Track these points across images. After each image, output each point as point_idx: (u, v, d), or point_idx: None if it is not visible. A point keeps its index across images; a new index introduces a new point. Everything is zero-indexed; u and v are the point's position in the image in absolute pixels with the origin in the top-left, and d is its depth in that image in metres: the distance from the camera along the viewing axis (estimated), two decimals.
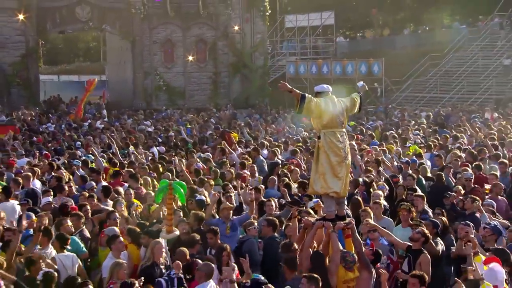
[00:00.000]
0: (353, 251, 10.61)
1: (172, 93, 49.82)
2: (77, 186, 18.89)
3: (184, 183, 15.68)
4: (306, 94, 11.56)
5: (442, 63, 48.92)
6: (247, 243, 12.58)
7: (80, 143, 28.96)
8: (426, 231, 11.80)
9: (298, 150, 23.97)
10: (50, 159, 23.76)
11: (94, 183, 18.92)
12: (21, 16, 45.78)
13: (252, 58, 51.41)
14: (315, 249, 11.26)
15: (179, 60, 50.32)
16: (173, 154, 24.82)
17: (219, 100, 49.14)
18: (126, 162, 23.03)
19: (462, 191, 15.99)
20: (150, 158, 24.13)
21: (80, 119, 38.18)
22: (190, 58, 49.98)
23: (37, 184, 18.73)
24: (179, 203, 15.45)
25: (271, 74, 55.89)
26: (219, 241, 12.49)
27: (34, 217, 13.54)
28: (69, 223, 13.49)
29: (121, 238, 12.45)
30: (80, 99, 41.30)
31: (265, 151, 25.11)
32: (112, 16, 49.30)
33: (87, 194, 16.91)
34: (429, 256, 11.32)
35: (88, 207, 15.13)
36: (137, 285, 9.71)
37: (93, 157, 23.68)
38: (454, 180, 18.44)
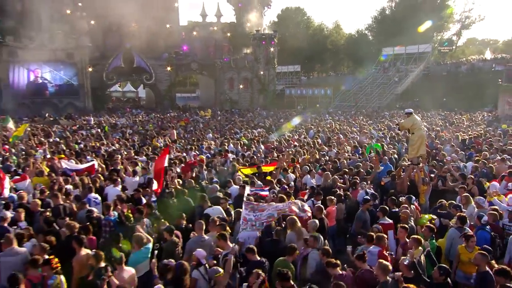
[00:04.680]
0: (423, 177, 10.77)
1: (232, 103, 49.92)
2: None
3: None
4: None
5: (350, 91, 47.35)
6: None
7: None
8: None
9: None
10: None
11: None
12: (168, 68, 47.45)
13: (268, 87, 51.77)
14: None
15: (235, 87, 50.65)
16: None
17: (253, 106, 48.85)
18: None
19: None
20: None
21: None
22: (241, 86, 50.64)
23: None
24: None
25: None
26: None
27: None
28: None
29: None
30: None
31: None
32: (207, 67, 50.00)
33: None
34: None
35: None
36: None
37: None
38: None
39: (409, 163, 11.60)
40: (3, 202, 9.07)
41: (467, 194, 9.13)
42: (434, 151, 14.72)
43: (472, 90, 37.30)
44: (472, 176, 10.70)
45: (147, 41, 44.11)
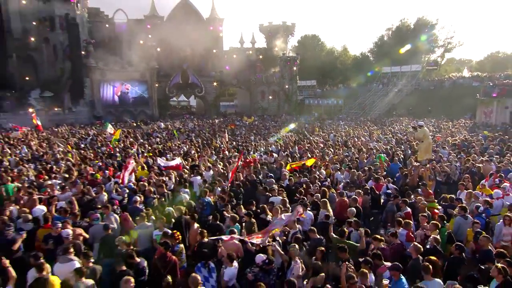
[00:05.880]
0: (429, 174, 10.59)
1: (263, 110, 49.88)
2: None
3: None
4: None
5: (356, 101, 45.62)
6: None
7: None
8: None
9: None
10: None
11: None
12: (215, 83, 47.87)
13: (292, 97, 51.11)
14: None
15: (266, 98, 50.79)
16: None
17: (279, 112, 48.37)
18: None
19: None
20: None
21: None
22: (270, 97, 50.67)
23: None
24: None
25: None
26: None
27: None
28: None
29: None
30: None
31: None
32: (244, 82, 50.05)
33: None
34: None
35: None
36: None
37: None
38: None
39: (418, 164, 11.50)
40: (126, 189, 9.66)
41: (470, 191, 9.04)
42: (432, 153, 14.62)
43: (454, 101, 36.62)
44: (468, 175, 10.55)
45: (199, 62, 45.40)
